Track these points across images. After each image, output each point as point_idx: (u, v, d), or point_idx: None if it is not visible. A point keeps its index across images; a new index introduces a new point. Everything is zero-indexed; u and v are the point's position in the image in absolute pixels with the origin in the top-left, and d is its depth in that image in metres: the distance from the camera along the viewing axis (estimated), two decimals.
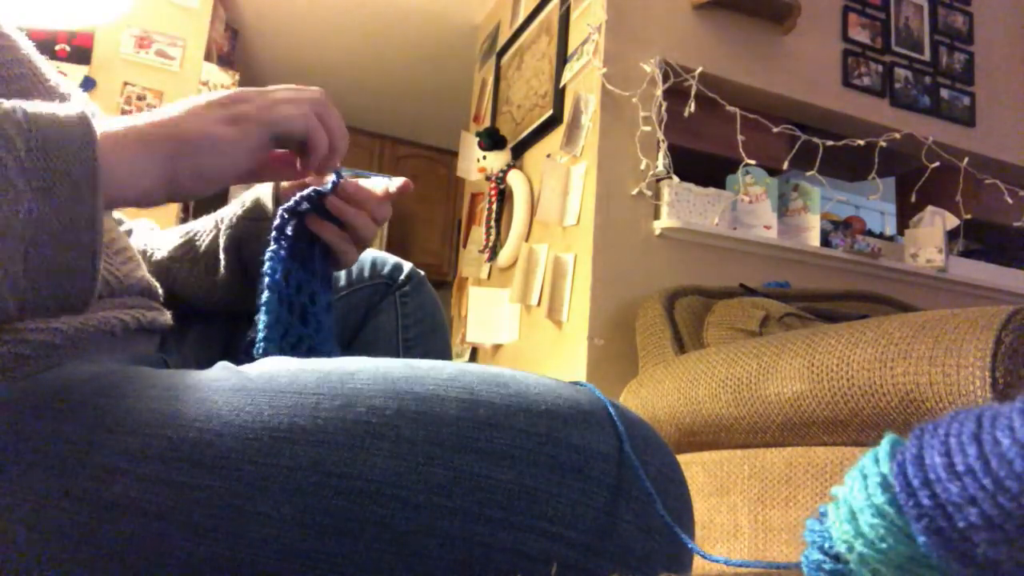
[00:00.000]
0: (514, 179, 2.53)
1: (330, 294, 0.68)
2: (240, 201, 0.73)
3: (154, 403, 0.43)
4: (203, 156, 0.49)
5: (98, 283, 0.43)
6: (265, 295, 0.62)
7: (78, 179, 0.40)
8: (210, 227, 0.75)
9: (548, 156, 2.33)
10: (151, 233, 0.80)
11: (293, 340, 0.63)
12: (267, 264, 0.63)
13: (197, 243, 0.74)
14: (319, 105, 0.56)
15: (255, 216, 0.71)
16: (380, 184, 0.68)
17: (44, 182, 0.39)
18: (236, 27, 3.70)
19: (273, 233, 0.64)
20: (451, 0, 3.36)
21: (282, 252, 0.63)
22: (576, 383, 0.48)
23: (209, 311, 0.75)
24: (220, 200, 0.74)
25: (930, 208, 2.52)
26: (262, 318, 0.62)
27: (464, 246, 3.08)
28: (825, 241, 2.37)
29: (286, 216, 0.64)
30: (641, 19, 2.21)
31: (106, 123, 0.45)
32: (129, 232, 0.75)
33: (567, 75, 2.30)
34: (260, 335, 0.62)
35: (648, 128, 2.09)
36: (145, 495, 0.40)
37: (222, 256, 0.71)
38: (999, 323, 0.96)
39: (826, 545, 0.27)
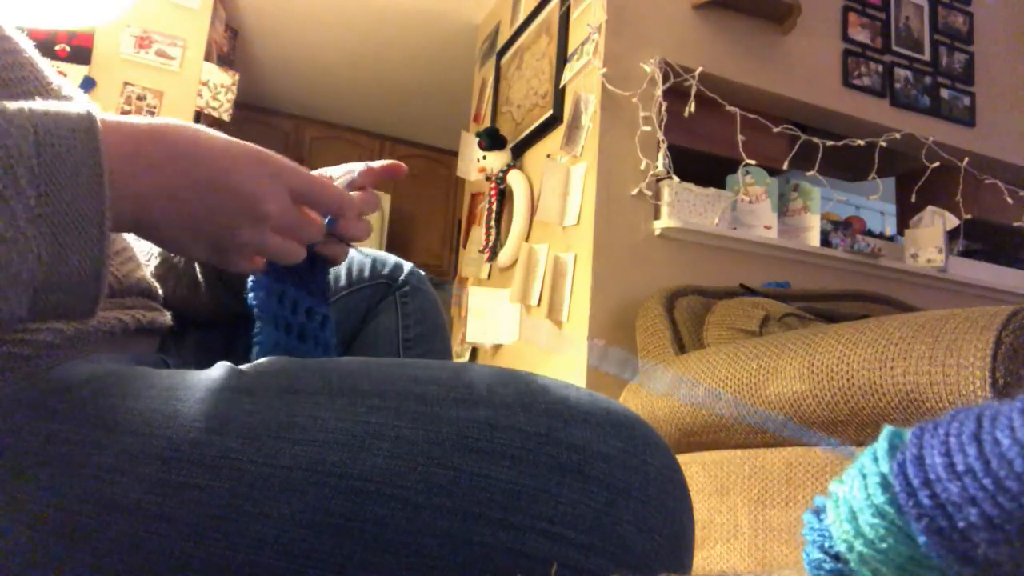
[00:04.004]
0: (514, 179, 2.53)
1: (326, 308, 0.67)
2: None
3: (154, 403, 0.43)
4: (166, 248, 0.50)
5: (97, 313, 0.44)
6: (257, 326, 0.61)
7: (86, 229, 0.40)
8: None
9: (548, 156, 2.33)
10: (138, 242, 0.80)
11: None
12: (251, 294, 0.61)
13: (175, 262, 0.73)
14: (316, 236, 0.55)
15: None
16: (357, 168, 0.65)
17: (53, 229, 0.39)
18: (236, 27, 3.70)
19: None
20: (451, 0, 3.36)
21: (265, 279, 0.62)
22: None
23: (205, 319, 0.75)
24: None
25: (930, 208, 2.52)
26: (255, 349, 0.61)
27: (464, 246, 3.08)
28: (825, 241, 2.37)
29: None
30: (641, 19, 2.21)
31: (110, 131, 0.43)
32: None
33: (567, 75, 2.30)
34: (255, 354, 0.61)
35: (648, 128, 2.09)
36: (145, 495, 0.40)
37: (201, 278, 0.71)
38: (999, 323, 0.96)
39: (826, 544, 0.27)
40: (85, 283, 0.40)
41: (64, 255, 0.39)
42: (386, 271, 0.83)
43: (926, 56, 2.63)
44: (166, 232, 0.47)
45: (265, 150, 0.51)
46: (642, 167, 2.09)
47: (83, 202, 0.39)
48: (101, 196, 0.40)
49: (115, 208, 0.42)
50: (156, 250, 0.75)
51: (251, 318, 0.63)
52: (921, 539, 0.23)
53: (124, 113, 2.85)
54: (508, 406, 0.43)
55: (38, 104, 0.40)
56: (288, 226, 0.51)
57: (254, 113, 4.47)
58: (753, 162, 2.15)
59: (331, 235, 0.62)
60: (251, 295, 0.61)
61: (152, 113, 2.94)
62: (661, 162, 2.06)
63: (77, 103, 0.42)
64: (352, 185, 0.62)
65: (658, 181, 2.11)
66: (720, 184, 2.24)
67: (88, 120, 0.41)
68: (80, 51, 2.86)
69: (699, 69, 2.14)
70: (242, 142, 0.50)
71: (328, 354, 0.65)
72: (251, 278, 0.62)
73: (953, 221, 2.47)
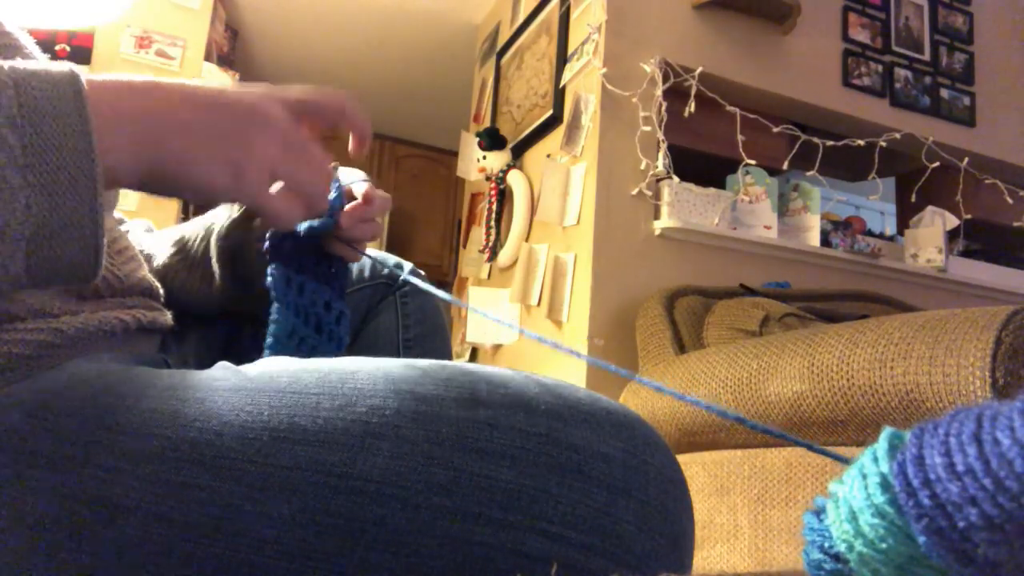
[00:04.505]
0: (514, 179, 2.53)
1: (343, 304, 0.68)
2: (228, 208, 0.72)
3: (154, 403, 0.43)
4: (183, 184, 0.46)
5: (100, 272, 0.43)
6: (274, 307, 0.63)
7: (76, 173, 0.39)
8: (201, 233, 0.74)
9: (548, 156, 2.33)
10: (147, 235, 0.80)
11: (307, 350, 0.64)
12: (269, 279, 0.63)
13: (190, 250, 0.73)
14: (320, 203, 0.54)
15: (246, 225, 0.70)
16: (359, 186, 0.67)
17: (41, 178, 0.38)
18: (236, 27, 3.70)
19: (270, 252, 0.64)
20: (451, 0, 3.36)
21: (286, 268, 0.63)
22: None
23: (209, 314, 0.75)
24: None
25: (930, 208, 2.52)
26: (271, 328, 0.62)
27: (464, 246, 3.08)
28: (825, 241, 2.37)
29: (280, 238, 0.63)
30: (641, 19, 2.21)
31: (95, 83, 0.42)
32: (125, 232, 0.75)
33: (567, 75, 2.30)
34: (269, 341, 0.62)
35: (648, 128, 2.09)
36: (145, 495, 0.40)
37: (216, 267, 0.71)
38: (999, 323, 0.96)
39: (826, 544, 0.27)
40: (82, 232, 0.40)
41: (56, 204, 0.38)
42: (386, 271, 0.83)
43: (926, 56, 2.63)
44: (178, 162, 0.44)
45: None
46: (642, 167, 2.09)
47: (71, 149, 0.39)
48: (88, 140, 0.39)
49: (116, 151, 0.42)
50: (173, 238, 0.75)
51: (255, 317, 0.64)
52: (921, 539, 0.23)
53: None
54: (508, 406, 0.43)
55: (18, 62, 0.40)
56: (296, 142, 0.50)
57: None
58: (753, 162, 2.15)
59: (338, 239, 0.64)
60: (270, 279, 0.62)
61: None
62: (661, 162, 2.06)
63: (59, 63, 0.42)
64: (349, 195, 0.64)
65: (658, 181, 2.11)
66: (720, 184, 2.24)
67: (70, 72, 0.40)
68: (80, 51, 2.85)
69: (699, 69, 2.14)
70: None
71: (340, 350, 0.66)
72: (271, 267, 0.63)
73: (953, 221, 2.47)
